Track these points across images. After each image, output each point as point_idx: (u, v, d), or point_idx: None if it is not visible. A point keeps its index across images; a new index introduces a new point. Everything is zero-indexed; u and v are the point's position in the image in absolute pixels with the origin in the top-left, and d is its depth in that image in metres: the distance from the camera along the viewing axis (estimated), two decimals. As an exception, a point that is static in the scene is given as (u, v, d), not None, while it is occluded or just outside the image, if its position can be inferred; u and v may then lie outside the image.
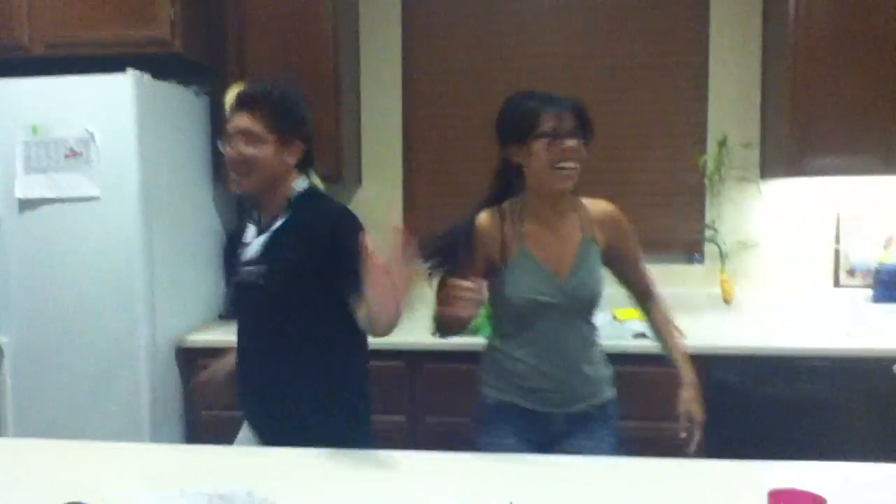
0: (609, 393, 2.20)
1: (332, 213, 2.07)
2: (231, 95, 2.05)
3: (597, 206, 2.19)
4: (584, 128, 2.04)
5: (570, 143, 2.01)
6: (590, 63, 3.69)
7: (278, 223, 2.08)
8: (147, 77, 2.99)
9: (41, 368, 3.02)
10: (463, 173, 3.78)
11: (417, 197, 3.82)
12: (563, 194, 2.10)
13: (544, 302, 2.08)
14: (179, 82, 3.29)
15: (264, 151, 2.01)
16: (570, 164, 2.03)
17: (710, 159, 3.54)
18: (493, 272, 2.12)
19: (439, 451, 1.91)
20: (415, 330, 3.24)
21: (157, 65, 3.14)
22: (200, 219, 3.45)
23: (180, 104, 3.30)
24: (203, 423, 3.20)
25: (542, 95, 2.08)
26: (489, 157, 3.66)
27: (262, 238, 2.08)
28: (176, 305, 3.19)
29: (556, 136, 2.01)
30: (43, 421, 3.01)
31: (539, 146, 2.02)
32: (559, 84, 3.65)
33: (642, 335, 3.03)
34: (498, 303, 2.15)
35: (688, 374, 2.13)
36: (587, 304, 2.14)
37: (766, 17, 3.53)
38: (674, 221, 3.66)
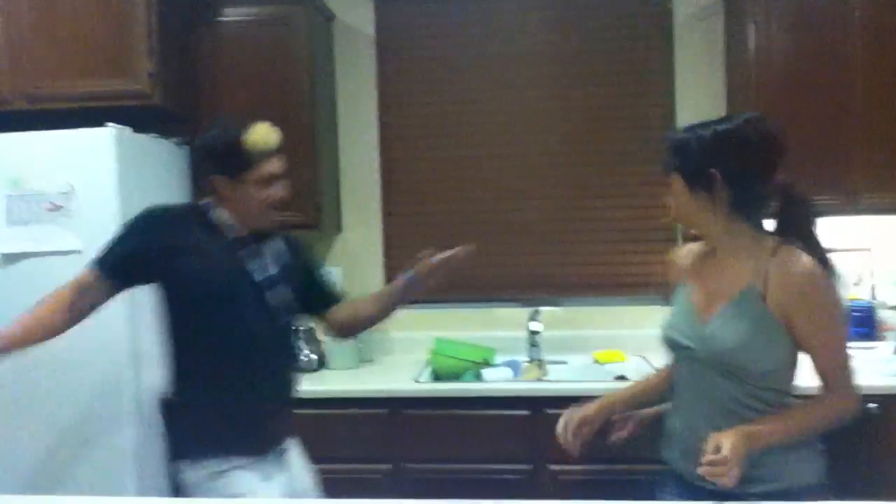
0: (784, 480, 1.85)
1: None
2: (265, 137, 2.18)
3: (789, 262, 1.84)
4: (671, 163, 1.97)
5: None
6: (560, 107, 3.78)
7: (276, 244, 2.32)
8: (127, 130, 3.01)
9: (25, 422, 2.99)
10: (442, 216, 3.84)
11: (397, 242, 3.86)
12: (718, 235, 1.94)
13: (681, 344, 1.97)
14: (159, 133, 3.32)
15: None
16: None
17: (681, 201, 3.62)
18: None
19: (422, 498, 1.92)
20: (396, 377, 3.27)
21: (137, 116, 3.16)
22: (181, 269, 3.45)
23: (160, 155, 3.33)
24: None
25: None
26: (467, 200, 3.77)
27: (274, 259, 2.29)
28: (160, 357, 3.17)
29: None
30: (27, 476, 2.96)
31: None
32: (531, 128, 3.77)
33: (622, 377, 3.06)
34: None
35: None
36: (721, 359, 1.88)
37: (728, 60, 3.64)
38: (647, 263, 3.72)
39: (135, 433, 2.98)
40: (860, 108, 3.22)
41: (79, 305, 2.19)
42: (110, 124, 2.96)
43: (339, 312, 2.46)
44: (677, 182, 1.95)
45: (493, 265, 3.80)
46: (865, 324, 3.38)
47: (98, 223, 2.91)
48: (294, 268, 2.34)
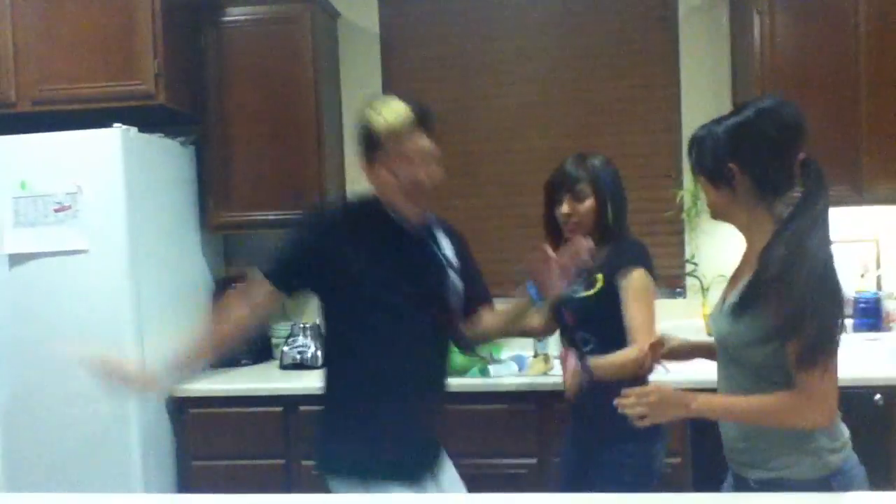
0: (776, 469, 1.87)
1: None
2: (390, 114, 1.97)
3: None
4: (693, 164, 1.99)
5: None
6: (566, 101, 3.78)
7: (446, 232, 2.20)
8: (133, 131, 3.04)
9: (32, 421, 3.02)
10: (447, 212, 3.79)
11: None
12: (746, 226, 1.91)
13: (710, 325, 2.07)
14: (164, 133, 3.34)
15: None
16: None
17: (686, 194, 3.61)
18: None
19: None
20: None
21: (142, 115, 3.19)
22: (188, 267, 3.49)
23: (166, 155, 3.35)
24: (195, 473, 3.21)
25: None
26: (472, 196, 3.78)
27: (449, 246, 2.17)
28: (165, 355, 3.20)
29: None
30: (35, 474, 3.01)
31: None
32: (536, 122, 3.77)
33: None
34: None
35: None
36: (724, 344, 1.95)
37: (733, 52, 3.63)
38: (654, 256, 3.70)
39: (141, 431, 3.01)
40: (866, 98, 3.21)
41: (252, 320, 2.09)
42: (117, 125, 2.98)
43: (472, 319, 2.25)
44: (702, 182, 1.96)
45: (500, 260, 3.79)
46: (871, 314, 3.36)
47: (105, 223, 2.96)
48: (461, 258, 2.20)
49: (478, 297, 2.23)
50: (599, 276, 2.35)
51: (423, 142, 1.99)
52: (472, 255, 2.29)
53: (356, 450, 2.01)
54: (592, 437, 2.42)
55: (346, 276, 1.97)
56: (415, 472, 2.05)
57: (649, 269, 2.40)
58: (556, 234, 2.47)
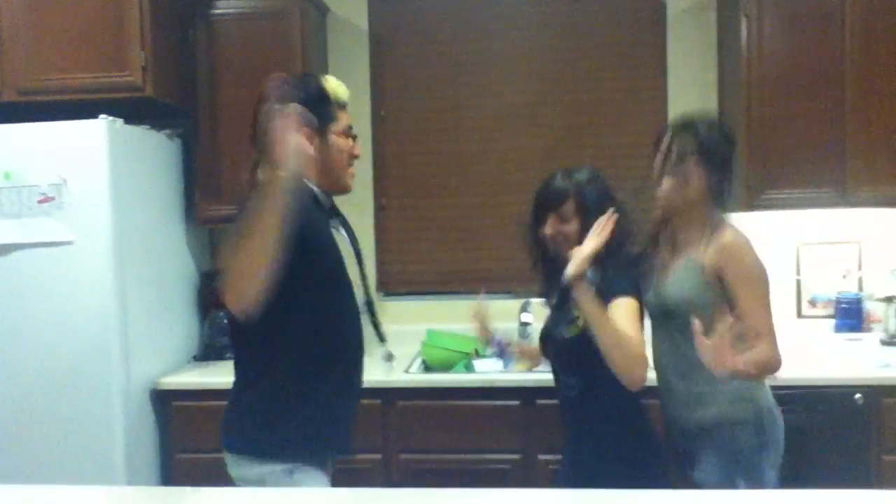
0: (716, 412, 2.20)
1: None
2: (341, 87, 2.15)
3: (723, 234, 2.21)
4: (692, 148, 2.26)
5: None
6: (554, 101, 3.80)
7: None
8: (119, 122, 3.03)
9: (14, 413, 3.00)
10: (434, 210, 3.85)
11: (389, 235, 3.88)
12: (679, 221, 2.30)
13: (647, 300, 2.25)
14: (151, 125, 3.33)
15: None
16: None
17: (672, 194, 3.63)
18: None
19: (413, 487, 1.94)
20: (388, 368, 3.27)
21: (130, 107, 3.18)
22: (174, 260, 3.48)
23: (153, 147, 3.34)
24: (178, 466, 3.20)
25: None
26: (459, 194, 3.79)
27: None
28: (150, 348, 3.20)
29: None
30: (16, 466, 2.99)
31: None
32: (524, 122, 3.78)
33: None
34: None
35: None
36: (668, 309, 2.24)
37: (720, 55, 3.66)
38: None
39: (124, 424, 3.00)
40: (852, 102, 3.24)
41: None
42: (103, 116, 2.96)
43: None
44: (698, 167, 2.19)
45: (485, 258, 3.81)
46: (853, 315, 3.40)
47: (90, 215, 2.94)
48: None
49: None
50: (578, 318, 2.14)
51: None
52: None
53: (291, 431, 1.98)
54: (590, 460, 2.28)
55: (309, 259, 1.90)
56: (332, 457, 2.13)
57: (636, 294, 2.17)
58: (539, 250, 2.32)
